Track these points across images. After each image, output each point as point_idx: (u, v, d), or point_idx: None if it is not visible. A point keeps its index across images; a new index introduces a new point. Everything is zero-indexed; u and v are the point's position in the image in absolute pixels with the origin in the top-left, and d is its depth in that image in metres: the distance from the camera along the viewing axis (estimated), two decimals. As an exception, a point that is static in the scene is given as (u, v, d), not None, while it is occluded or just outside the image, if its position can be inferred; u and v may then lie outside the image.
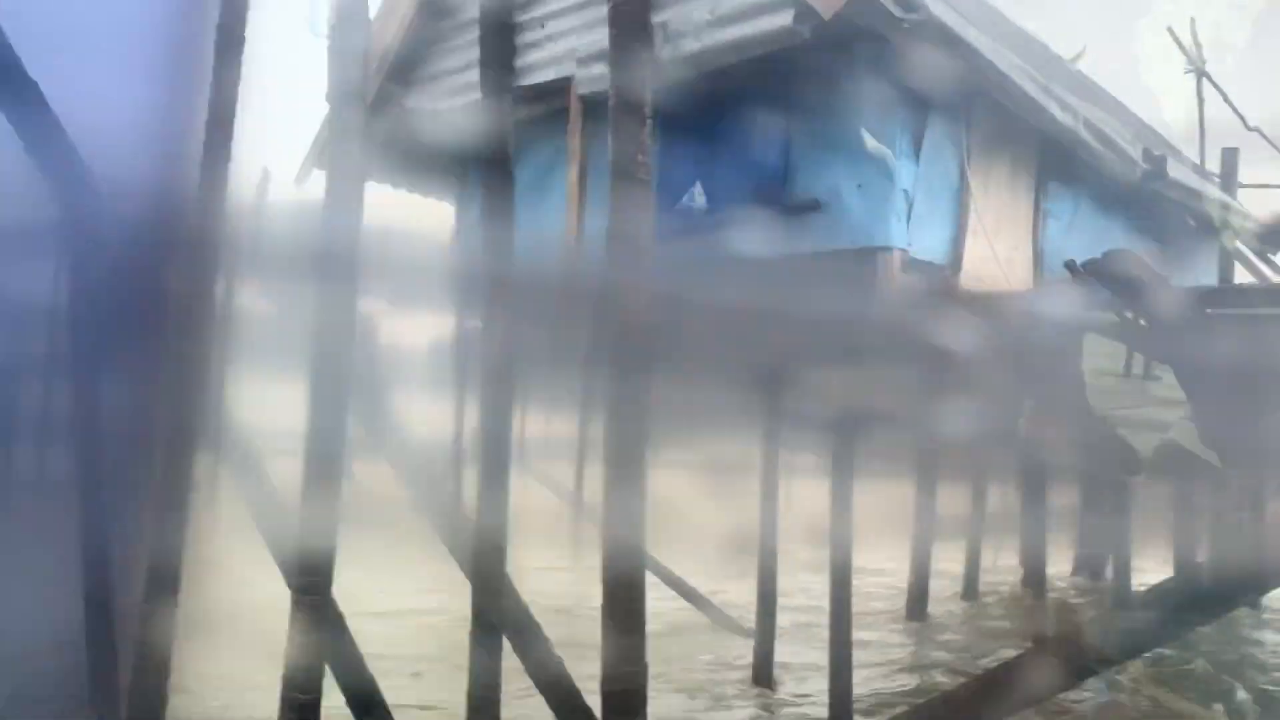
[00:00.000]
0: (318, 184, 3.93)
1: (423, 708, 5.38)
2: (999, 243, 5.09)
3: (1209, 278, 6.77)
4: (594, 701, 4.34)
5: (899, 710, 4.93)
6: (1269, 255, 7.52)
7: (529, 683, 4.51)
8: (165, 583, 3.93)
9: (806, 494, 8.20)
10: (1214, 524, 9.03)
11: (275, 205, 5.71)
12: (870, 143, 4.62)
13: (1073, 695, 5.16)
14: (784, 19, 4.44)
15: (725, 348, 3.83)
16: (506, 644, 4.58)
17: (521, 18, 5.53)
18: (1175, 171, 5.73)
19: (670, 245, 5.21)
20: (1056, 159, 5.61)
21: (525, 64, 5.60)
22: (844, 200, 4.69)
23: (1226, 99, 6.48)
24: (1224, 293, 3.16)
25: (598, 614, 4.18)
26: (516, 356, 4.65)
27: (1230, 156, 7.49)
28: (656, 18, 4.29)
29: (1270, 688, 7.01)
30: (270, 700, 3.48)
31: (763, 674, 6.27)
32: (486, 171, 5.02)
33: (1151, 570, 9.62)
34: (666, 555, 8.83)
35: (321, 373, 3.58)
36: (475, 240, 5.20)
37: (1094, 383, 4.66)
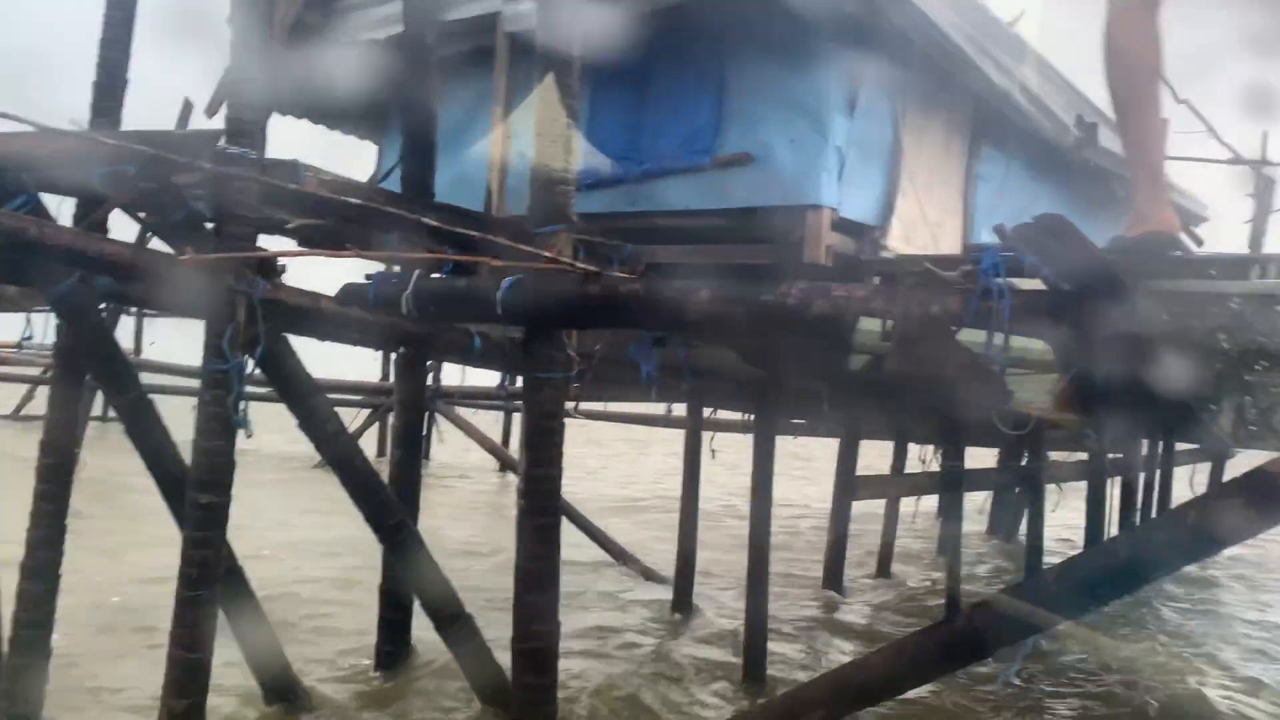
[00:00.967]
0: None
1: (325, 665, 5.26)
2: (930, 204, 5.03)
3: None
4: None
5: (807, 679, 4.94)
6: (1191, 229, 7.61)
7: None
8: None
9: (731, 448, 8.27)
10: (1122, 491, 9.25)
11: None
12: (805, 96, 4.51)
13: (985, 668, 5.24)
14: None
15: (649, 305, 3.70)
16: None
17: (449, -53, 5.28)
18: (1107, 140, 5.72)
19: (596, 194, 5.07)
20: (990, 122, 5.56)
21: (450, -3, 5.38)
22: (775, 155, 4.58)
23: (1163, 76, 6.47)
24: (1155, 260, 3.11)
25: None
26: (436, 303, 4.49)
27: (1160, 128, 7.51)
28: (587, -46, 4.10)
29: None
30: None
31: (682, 603, 6.91)
32: (408, 109, 4.83)
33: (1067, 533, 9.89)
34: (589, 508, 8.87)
35: (217, 314, 3.39)
36: (395, 181, 5.00)
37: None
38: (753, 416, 5.90)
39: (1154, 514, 9.92)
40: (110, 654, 5.15)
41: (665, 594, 7.20)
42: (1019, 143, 5.85)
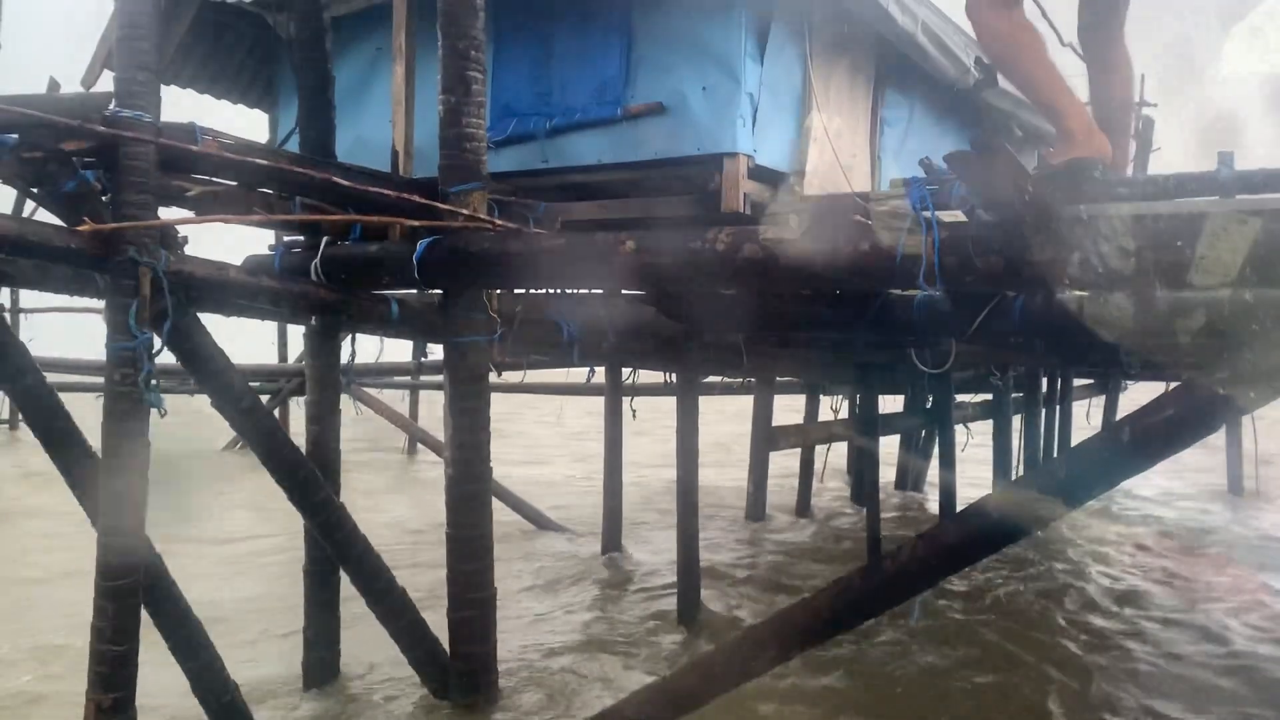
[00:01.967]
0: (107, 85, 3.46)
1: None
2: (840, 149, 5.03)
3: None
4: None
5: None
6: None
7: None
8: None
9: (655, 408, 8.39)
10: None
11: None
12: (715, 42, 4.45)
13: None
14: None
15: (574, 259, 3.63)
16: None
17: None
18: (1005, 81, 5.80)
19: (506, 152, 4.95)
20: (894, 65, 5.59)
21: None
22: (688, 103, 4.51)
23: (1045, 14, 6.58)
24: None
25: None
26: (347, 270, 4.33)
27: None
28: (487, -100, 3.96)
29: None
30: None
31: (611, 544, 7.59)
32: (302, 71, 4.61)
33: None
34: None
35: (120, 289, 3.19)
36: (294, 147, 4.79)
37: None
38: (674, 376, 5.92)
39: (1055, 450, 10.27)
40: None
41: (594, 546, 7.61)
42: (922, 85, 5.90)
